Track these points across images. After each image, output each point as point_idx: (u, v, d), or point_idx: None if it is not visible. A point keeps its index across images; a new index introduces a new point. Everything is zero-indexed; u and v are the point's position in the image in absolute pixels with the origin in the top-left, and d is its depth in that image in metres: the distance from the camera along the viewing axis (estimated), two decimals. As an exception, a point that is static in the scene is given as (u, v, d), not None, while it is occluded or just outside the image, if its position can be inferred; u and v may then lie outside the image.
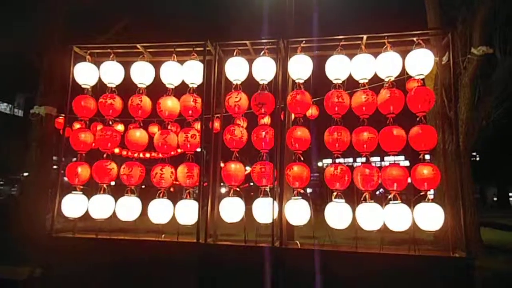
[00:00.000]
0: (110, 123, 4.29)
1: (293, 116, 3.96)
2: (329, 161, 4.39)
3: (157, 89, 4.30)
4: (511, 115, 8.79)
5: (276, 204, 3.67)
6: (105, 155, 4.15)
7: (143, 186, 4.53)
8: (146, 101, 4.16)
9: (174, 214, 3.95)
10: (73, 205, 4.04)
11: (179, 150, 4.67)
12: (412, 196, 3.57)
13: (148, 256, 3.82)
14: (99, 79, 4.27)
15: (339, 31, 3.83)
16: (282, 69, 3.93)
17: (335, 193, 3.62)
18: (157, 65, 4.22)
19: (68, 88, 4.29)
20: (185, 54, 4.24)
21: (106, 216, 4.04)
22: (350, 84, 3.90)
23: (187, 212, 3.89)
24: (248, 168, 4.30)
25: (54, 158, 7.83)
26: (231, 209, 3.83)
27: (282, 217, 3.66)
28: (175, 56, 4.20)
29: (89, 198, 4.07)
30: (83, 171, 4.09)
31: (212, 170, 4.07)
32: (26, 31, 8.11)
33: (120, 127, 6.74)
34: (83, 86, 4.30)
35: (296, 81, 3.88)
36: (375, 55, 3.73)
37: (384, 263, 3.40)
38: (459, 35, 6.67)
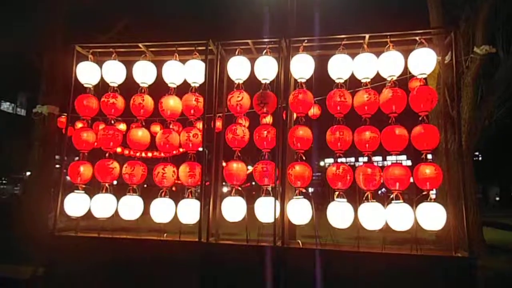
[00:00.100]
0: (112, 122, 4.30)
1: (295, 115, 3.96)
2: (331, 160, 4.38)
3: (159, 89, 4.30)
4: (514, 115, 8.75)
5: (278, 203, 3.67)
6: (107, 154, 4.16)
7: (145, 185, 4.54)
8: (148, 100, 4.17)
9: (176, 213, 3.95)
10: (75, 204, 4.05)
11: (181, 150, 4.67)
12: (414, 196, 3.56)
13: (150, 255, 3.83)
14: (101, 78, 4.28)
15: (341, 30, 3.82)
16: (284, 68, 3.92)
17: (337, 193, 3.62)
18: (159, 65, 4.22)
19: (71, 87, 4.30)
20: (187, 54, 4.24)
21: (108, 215, 4.05)
22: (352, 84, 3.89)
23: (189, 211, 3.90)
24: (250, 168, 4.30)
25: (57, 157, 7.87)
26: (233, 208, 3.83)
27: (284, 217, 3.66)
28: (177, 56, 4.20)
29: (91, 197, 4.08)
30: (86, 170, 4.10)
31: (214, 169, 4.07)
32: (27, 31, 8.13)
33: (122, 126, 6.74)
34: (85, 86, 4.30)
35: (298, 80, 3.88)
36: (377, 54, 3.72)
37: (386, 262, 3.39)
38: (462, 34, 6.65)
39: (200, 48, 4.14)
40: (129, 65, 4.24)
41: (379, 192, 4.40)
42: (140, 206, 4.08)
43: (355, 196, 3.62)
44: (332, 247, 3.64)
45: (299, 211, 3.62)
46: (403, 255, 3.43)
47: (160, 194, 4.02)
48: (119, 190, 4.17)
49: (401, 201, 3.49)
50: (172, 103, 4.13)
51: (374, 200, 3.54)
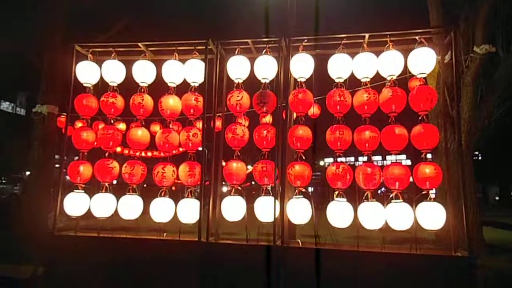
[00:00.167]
0: (112, 121, 4.30)
1: (294, 115, 3.96)
2: (330, 160, 4.38)
3: (158, 88, 4.30)
4: (514, 114, 8.74)
5: (277, 203, 3.67)
6: (107, 154, 4.16)
7: (145, 185, 4.54)
8: (148, 100, 4.17)
9: (175, 213, 3.95)
10: (75, 204, 4.05)
11: (180, 149, 4.67)
12: (414, 195, 3.56)
13: (150, 254, 3.83)
14: (101, 77, 4.27)
15: (341, 29, 3.82)
16: (284, 67, 3.92)
17: (336, 192, 3.62)
18: (158, 64, 4.22)
19: (70, 86, 4.30)
20: (186, 53, 4.24)
21: (108, 215, 4.05)
22: (352, 83, 3.89)
23: (189, 210, 3.90)
24: (250, 167, 4.30)
25: (56, 156, 7.86)
26: (232, 208, 3.84)
27: (283, 216, 3.66)
28: (176, 55, 4.20)
29: (91, 197, 4.08)
30: (85, 169, 4.10)
31: (214, 169, 4.07)
32: (27, 31, 8.12)
33: (122, 126, 6.74)
34: (84, 85, 4.30)
35: (298, 79, 3.88)
36: (377, 53, 3.72)
37: (385, 262, 3.39)
38: (462, 33, 6.65)
39: (199, 47, 4.14)
40: (128, 65, 4.24)
41: (379, 191, 4.41)
42: (139, 206, 4.08)
43: (354, 196, 3.62)
44: (331, 246, 3.64)
45: (299, 211, 3.62)
46: (402, 255, 3.44)
47: (160, 194, 4.02)
48: (119, 190, 4.17)
49: (401, 200, 3.49)
50: (172, 102, 4.13)
51: (374, 200, 3.54)
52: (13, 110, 26.43)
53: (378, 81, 3.93)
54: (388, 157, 3.88)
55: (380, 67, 3.71)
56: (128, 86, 4.31)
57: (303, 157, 3.74)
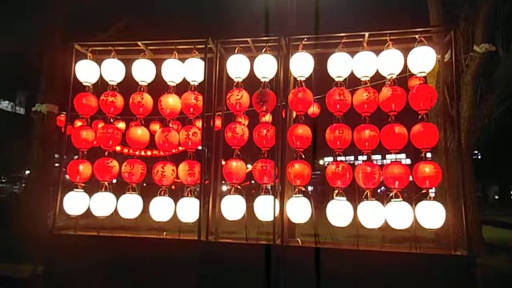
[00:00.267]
0: (112, 120, 4.29)
1: (294, 113, 3.96)
2: (330, 159, 4.38)
3: (158, 87, 4.30)
4: (513, 113, 8.75)
5: (277, 202, 3.67)
6: (106, 153, 4.16)
7: (144, 184, 4.54)
8: (147, 99, 4.16)
9: (175, 212, 3.95)
10: (74, 203, 4.05)
11: (180, 148, 4.67)
12: (413, 194, 3.56)
13: (150, 253, 3.83)
14: (100, 76, 4.27)
15: (340, 28, 3.81)
16: (284, 66, 3.92)
17: (336, 191, 3.62)
18: (158, 63, 4.21)
19: (70, 86, 4.29)
20: (186, 52, 4.23)
21: (108, 214, 4.05)
22: (352, 82, 3.88)
23: (189, 209, 3.90)
24: (249, 166, 4.30)
25: (56, 156, 7.86)
26: (232, 207, 3.84)
27: (283, 215, 3.66)
28: (176, 54, 4.19)
29: (90, 196, 4.07)
30: (85, 168, 4.10)
31: (214, 168, 4.07)
32: (26, 31, 8.11)
33: (121, 125, 6.76)
34: (84, 84, 4.30)
35: (298, 78, 3.87)
36: (377, 52, 3.72)
37: (385, 261, 3.39)
38: (462, 32, 6.64)
39: (199, 46, 4.13)
40: (128, 64, 4.23)
41: (379, 190, 4.41)
42: (139, 205, 4.08)
43: (354, 195, 3.62)
44: (331, 245, 3.64)
45: (299, 210, 3.62)
46: (402, 254, 3.44)
47: (160, 193, 4.02)
48: (119, 189, 4.17)
49: (401, 199, 3.49)
50: (172, 101, 4.13)
51: (374, 199, 3.54)
52: (12, 109, 26.41)
53: (378, 80, 3.92)
54: (387, 156, 3.89)
55: (380, 66, 3.70)
56: (128, 85, 4.31)
57: (303, 156, 3.74)
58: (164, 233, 4.01)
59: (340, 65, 3.75)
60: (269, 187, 3.81)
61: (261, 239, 3.79)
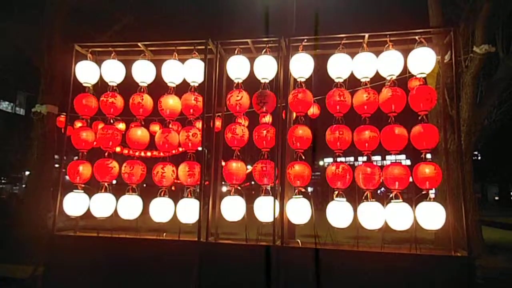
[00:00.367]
0: (112, 121, 4.29)
1: (294, 114, 3.95)
2: (330, 160, 4.38)
3: (158, 88, 4.30)
4: (513, 114, 8.75)
5: (277, 203, 3.67)
6: (106, 154, 4.15)
7: (144, 185, 4.53)
8: (147, 100, 4.16)
9: (175, 213, 3.95)
10: (74, 204, 4.04)
11: (180, 149, 4.67)
12: (413, 195, 3.56)
13: (149, 254, 3.83)
14: (101, 77, 4.27)
15: (340, 29, 3.81)
16: (284, 67, 3.92)
17: (336, 192, 3.62)
18: (158, 64, 4.21)
19: (70, 86, 4.29)
20: (186, 53, 4.23)
21: (108, 215, 4.05)
22: (352, 83, 3.89)
23: (188, 210, 3.89)
24: (249, 167, 4.29)
25: (56, 156, 7.86)
26: (232, 208, 3.83)
27: (283, 216, 3.65)
28: (176, 55, 4.19)
29: (90, 197, 4.07)
30: (85, 169, 4.09)
31: (213, 168, 4.07)
32: (26, 31, 8.12)
33: (121, 126, 6.73)
34: (84, 85, 4.30)
35: (298, 79, 3.87)
36: (377, 53, 3.72)
37: (385, 262, 3.39)
38: (462, 33, 6.65)
39: (199, 47, 4.14)
40: (128, 64, 4.23)
41: (379, 191, 4.40)
42: (139, 206, 4.07)
43: (354, 196, 3.62)
44: (331, 246, 3.64)
45: (299, 211, 3.62)
46: (402, 255, 3.43)
47: (160, 194, 4.01)
48: (118, 190, 4.17)
49: (401, 200, 3.49)
50: (172, 102, 4.13)
51: (374, 200, 3.54)
52: (12, 110, 26.40)
53: (377, 81, 3.92)
54: (387, 157, 3.88)
55: (379, 67, 3.70)
56: (128, 86, 4.31)
57: (303, 157, 3.74)
58: (164, 234, 4.00)
59: (340, 66, 3.75)
60: (269, 188, 3.81)
61: (261, 240, 3.78)
